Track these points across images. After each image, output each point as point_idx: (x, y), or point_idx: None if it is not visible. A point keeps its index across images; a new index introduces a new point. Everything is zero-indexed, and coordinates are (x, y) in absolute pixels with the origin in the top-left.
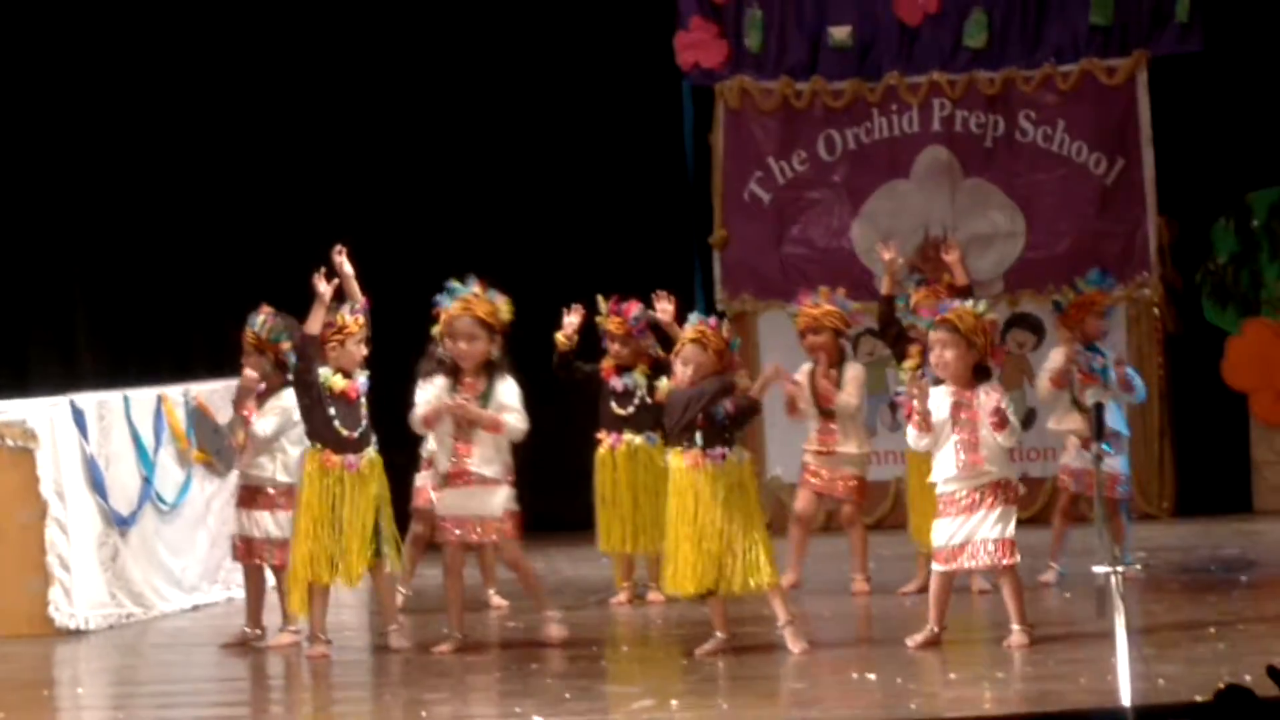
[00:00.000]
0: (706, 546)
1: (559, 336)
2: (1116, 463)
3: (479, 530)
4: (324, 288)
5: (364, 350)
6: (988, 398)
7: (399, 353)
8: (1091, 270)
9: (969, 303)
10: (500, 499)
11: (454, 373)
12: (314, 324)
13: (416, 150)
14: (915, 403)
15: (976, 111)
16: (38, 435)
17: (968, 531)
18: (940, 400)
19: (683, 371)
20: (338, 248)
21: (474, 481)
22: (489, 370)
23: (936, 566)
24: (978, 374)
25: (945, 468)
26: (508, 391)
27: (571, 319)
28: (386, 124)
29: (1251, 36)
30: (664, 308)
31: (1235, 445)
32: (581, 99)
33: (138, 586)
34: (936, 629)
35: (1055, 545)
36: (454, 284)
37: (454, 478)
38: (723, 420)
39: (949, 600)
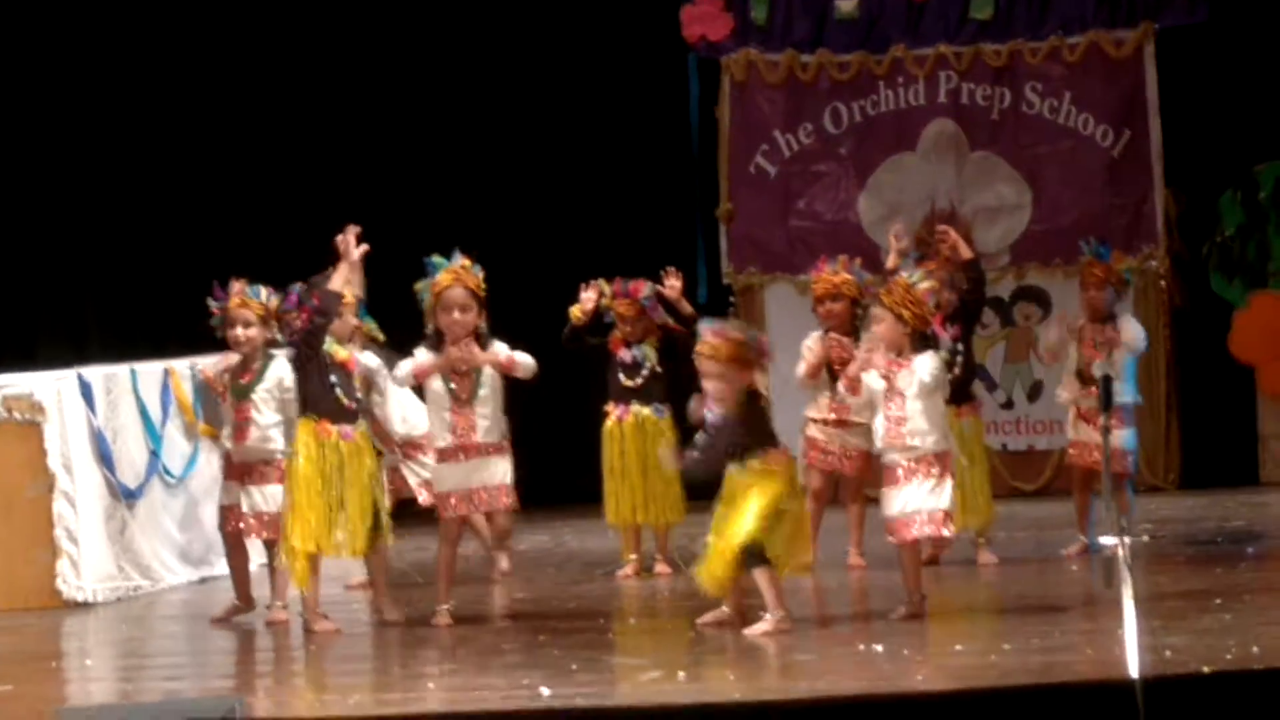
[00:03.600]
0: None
1: (574, 310)
2: (1123, 436)
3: (486, 499)
4: (355, 250)
5: (355, 321)
6: (919, 364)
7: (396, 331)
8: (1089, 238)
9: (906, 275)
10: (504, 467)
11: (439, 346)
12: (339, 281)
13: (418, 123)
14: (853, 365)
15: (983, 84)
16: (45, 408)
17: (905, 500)
18: (875, 373)
19: (717, 390)
20: (353, 229)
21: (477, 452)
22: (478, 341)
23: (890, 539)
24: (921, 345)
25: (878, 437)
26: (503, 347)
27: (589, 294)
28: (387, 100)
29: (1259, 8)
30: (672, 284)
31: (1242, 418)
32: (587, 72)
33: (145, 559)
34: (917, 598)
35: (1081, 519)
36: (436, 259)
37: (455, 452)
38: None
39: (919, 570)
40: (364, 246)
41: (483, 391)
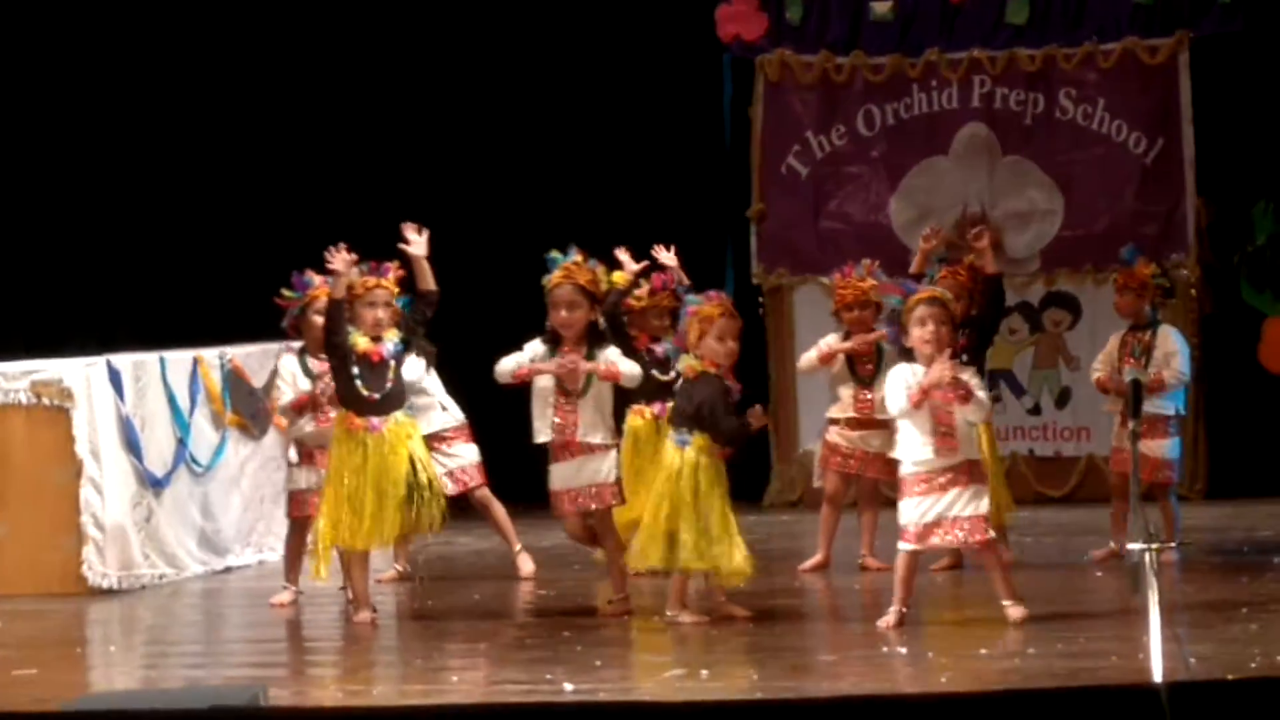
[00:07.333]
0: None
1: (618, 275)
2: (1167, 445)
3: (594, 498)
4: (340, 264)
5: (378, 313)
6: (965, 376)
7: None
8: (1126, 246)
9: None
10: (609, 464)
11: (554, 341)
12: (338, 290)
13: (453, 121)
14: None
15: (1017, 89)
16: (74, 394)
17: (940, 510)
18: (915, 380)
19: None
20: (416, 228)
21: (582, 451)
22: (591, 338)
23: (904, 545)
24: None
25: (915, 448)
26: (613, 351)
27: (633, 265)
28: (425, 93)
29: None
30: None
31: (1270, 427)
32: (622, 71)
33: (170, 547)
34: (904, 609)
35: (1115, 526)
36: (555, 254)
37: (561, 450)
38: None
39: (914, 579)
40: (419, 245)
41: (592, 389)
